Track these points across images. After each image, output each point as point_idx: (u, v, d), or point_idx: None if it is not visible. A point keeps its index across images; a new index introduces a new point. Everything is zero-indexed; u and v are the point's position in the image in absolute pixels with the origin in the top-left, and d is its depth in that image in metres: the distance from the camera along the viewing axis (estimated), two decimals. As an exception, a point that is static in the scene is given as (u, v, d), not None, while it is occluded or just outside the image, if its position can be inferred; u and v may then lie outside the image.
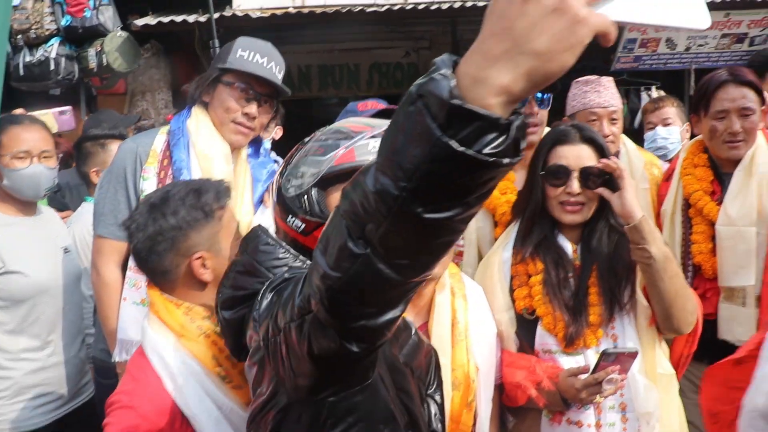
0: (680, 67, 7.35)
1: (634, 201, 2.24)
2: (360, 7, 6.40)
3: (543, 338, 2.35)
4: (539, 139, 2.57)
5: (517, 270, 2.44)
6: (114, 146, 3.60)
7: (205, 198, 1.88)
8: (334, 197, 1.46)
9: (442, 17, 7.11)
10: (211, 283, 1.85)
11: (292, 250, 1.45)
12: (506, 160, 0.82)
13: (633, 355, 2.16)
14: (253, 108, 2.74)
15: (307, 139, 1.58)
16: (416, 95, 0.83)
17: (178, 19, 6.61)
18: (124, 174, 2.71)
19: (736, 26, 6.93)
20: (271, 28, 6.88)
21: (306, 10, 6.51)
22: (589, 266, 2.37)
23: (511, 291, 2.44)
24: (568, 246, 2.42)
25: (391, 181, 0.85)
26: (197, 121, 2.76)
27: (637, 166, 3.26)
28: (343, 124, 1.57)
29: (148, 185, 2.66)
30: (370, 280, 0.94)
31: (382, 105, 2.84)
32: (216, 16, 6.30)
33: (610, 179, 2.32)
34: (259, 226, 1.55)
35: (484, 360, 2.26)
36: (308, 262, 1.33)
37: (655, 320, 2.32)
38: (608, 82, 3.35)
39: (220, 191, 1.94)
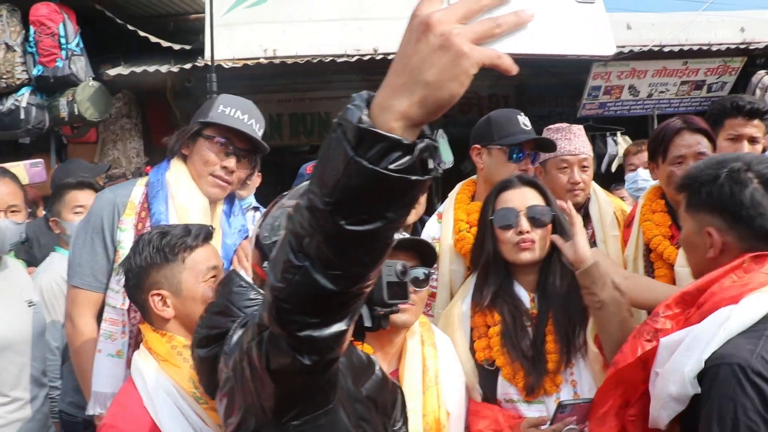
0: (644, 113, 7.58)
1: (586, 247, 2.29)
2: (330, 58, 6.51)
3: (504, 388, 2.38)
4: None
5: (476, 322, 2.49)
6: (78, 195, 3.61)
7: (168, 240, 2.05)
8: None
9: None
10: (173, 319, 2.05)
11: (263, 292, 1.50)
12: (414, 177, 0.94)
13: (589, 405, 2.15)
14: (231, 162, 2.76)
15: (285, 193, 1.68)
16: (336, 124, 0.96)
17: (151, 69, 6.67)
18: (101, 224, 2.70)
19: (694, 74, 7.18)
20: (243, 77, 6.98)
21: (277, 61, 6.61)
22: (545, 314, 2.42)
23: (472, 342, 2.48)
24: (524, 295, 2.47)
25: (318, 197, 0.98)
26: (176, 173, 2.77)
27: (607, 213, 3.31)
28: None
29: (125, 236, 2.66)
30: (310, 290, 1.03)
31: None
32: (188, 66, 6.42)
33: (558, 222, 2.41)
34: (233, 270, 1.66)
35: (455, 406, 2.30)
36: None
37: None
38: (578, 129, 3.41)
39: (190, 235, 2.09)
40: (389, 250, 1.06)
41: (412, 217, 3.42)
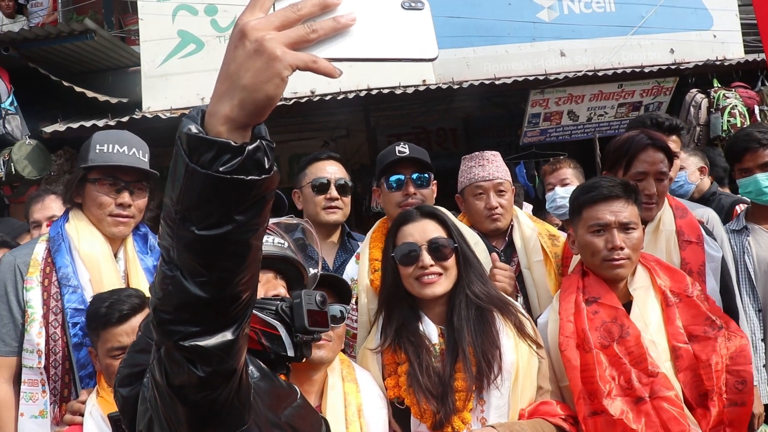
0: (585, 137, 7.68)
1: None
2: (268, 101, 6.51)
3: (415, 425, 2.38)
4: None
5: (386, 359, 2.49)
6: None
7: (90, 311, 2.51)
8: None
9: (352, 106, 7.30)
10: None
11: None
12: (249, 178, 1.00)
13: None
14: (125, 197, 2.77)
15: None
16: (177, 137, 1.01)
17: (88, 124, 6.63)
18: (4, 289, 2.69)
19: (630, 95, 7.32)
20: (185, 126, 6.94)
21: (215, 108, 6.58)
22: (453, 350, 2.40)
23: (384, 380, 2.48)
24: (433, 330, 2.46)
25: (170, 206, 1.04)
26: (75, 223, 2.78)
27: (530, 238, 3.30)
28: None
29: (33, 295, 2.65)
30: (184, 298, 1.07)
31: None
32: (125, 119, 6.38)
33: (462, 252, 2.41)
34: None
35: None
36: None
37: None
38: (493, 155, 3.41)
39: (105, 315, 2.42)
40: (257, 255, 1.10)
41: (339, 217, 3.45)
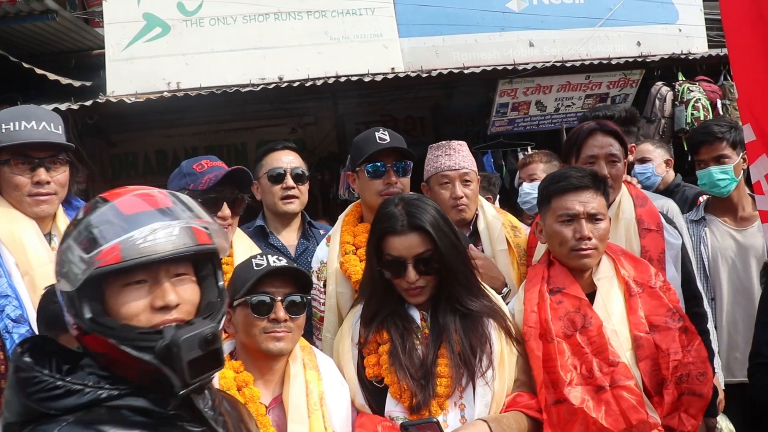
0: (552, 127, 7.74)
1: None
2: (235, 88, 6.44)
3: (391, 406, 2.38)
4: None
5: (367, 338, 2.48)
6: None
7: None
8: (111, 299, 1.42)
9: (318, 93, 7.25)
10: None
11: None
12: None
13: (433, 425, 2.21)
14: (41, 174, 2.68)
15: (80, 216, 1.50)
16: None
17: (50, 107, 6.47)
18: None
19: (597, 87, 7.38)
20: (151, 112, 6.85)
21: (181, 94, 6.50)
22: (438, 335, 2.41)
23: (362, 358, 2.47)
24: (416, 313, 2.47)
25: None
26: None
27: (494, 227, 3.32)
28: (105, 213, 1.45)
29: None
30: None
31: (218, 163, 2.84)
32: (88, 103, 6.26)
33: (447, 264, 2.40)
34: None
35: (342, 426, 2.33)
36: None
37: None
38: (459, 145, 3.42)
39: None
40: None
41: (296, 206, 3.45)
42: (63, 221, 2.81)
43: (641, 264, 2.76)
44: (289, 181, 3.42)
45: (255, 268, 2.31)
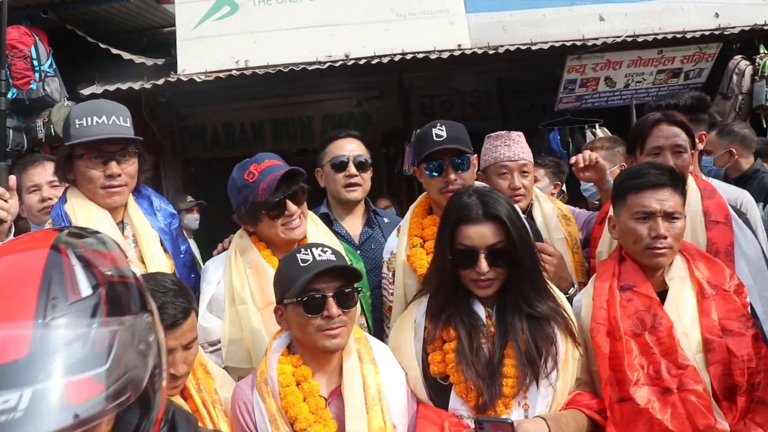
0: (621, 104, 7.54)
1: None
2: (302, 66, 6.51)
3: (455, 404, 2.39)
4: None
5: (432, 335, 2.47)
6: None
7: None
8: None
9: (385, 70, 7.25)
10: None
11: None
12: None
13: (506, 426, 2.21)
14: (113, 168, 2.80)
15: None
16: None
17: (124, 86, 6.68)
18: None
19: (669, 62, 7.15)
20: (220, 87, 6.99)
21: (249, 72, 6.60)
22: (504, 335, 2.41)
23: (426, 354, 2.48)
24: (481, 311, 2.46)
25: None
26: (72, 202, 2.84)
27: (551, 218, 3.34)
28: None
29: None
30: None
31: (265, 164, 2.87)
32: (161, 82, 6.42)
33: (517, 257, 2.39)
34: None
35: (400, 419, 2.34)
36: None
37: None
38: (518, 136, 3.43)
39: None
40: None
41: (359, 194, 3.51)
42: (134, 210, 2.95)
43: (716, 265, 2.71)
44: (352, 169, 3.47)
45: (301, 264, 2.30)
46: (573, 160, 3.38)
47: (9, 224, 2.78)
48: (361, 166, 3.50)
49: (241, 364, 2.75)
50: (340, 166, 3.47)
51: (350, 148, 3.52)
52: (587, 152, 3.13)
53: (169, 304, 2.15)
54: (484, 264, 2.37)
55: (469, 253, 2.39)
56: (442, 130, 3.01)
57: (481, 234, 2.39)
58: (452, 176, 2.98)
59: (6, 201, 2.47)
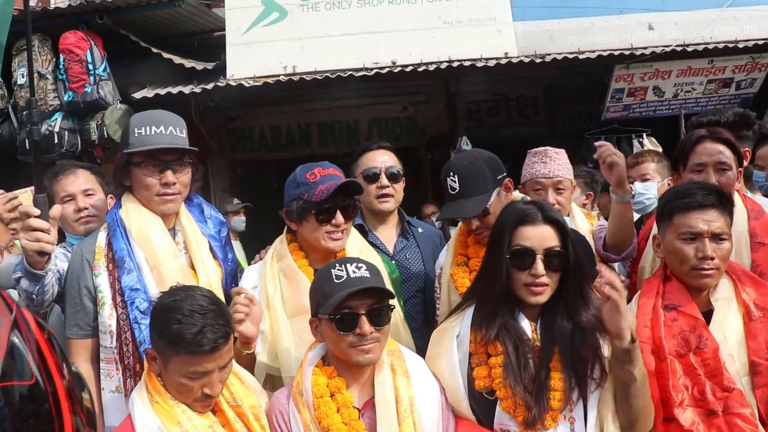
0: (670, 114, 7.43)
1: (627, 324, 2.31)
2: (349, 72, 6.57)
3: (502, 419, 2.38)
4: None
5: (477, 348, 2.46)
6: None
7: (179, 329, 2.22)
8: None
9: (430, 78, 7.28)
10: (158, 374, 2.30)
11: None
12: None
13: None
14: (168, 176, 2.89)
15: None
16: None
17: (175, 90, 6.84)
18: (76, 279, 2.89)
19: (720, 72, 7.02)
20: (268, 90, 7.10)
21: (297, 78, 6.70)
22: (549, 348, 2.39)
23: (470, 369, 2.46)
24: (527, 325, 2.45)
25: None
26: (127, 207, 2.94)
27: (585, 234, 3.33)
28: None
29: (101, 280, 2.85)
30: None
31: (329, 170, 2.93)
32: (210, 86, 6.56)
33: (575, 265, 2.39)
34: None
35: (432, 429, 2.34)
36: None
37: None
38: (556, 153, 3.45)
39: (193, 341, 2.18)
40: None
41: (391, 205, 3.54)
42: (185, 217, 3.05)
43: (763, 286, 2.66)
44: (384, 180, 3.50)
45: (335, 280, 2.32)
46: (596, 155, 3.23)
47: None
48: (393, 178, 3.54)
49: (272, 363, 2.82)
50: (373, 177, 3.52)
51: (382, 159, 3.56)
52: (606, 149, 3.04)
53: (209, 328, 2.17)
54: (540, 266, 2.35)
55: (527, 253, 2.38)
56: (455, 182, 3.01)
57: (540, 235, 2.38)
58: (475, 224, 3.00)
59: (49, 233, 2.56)
